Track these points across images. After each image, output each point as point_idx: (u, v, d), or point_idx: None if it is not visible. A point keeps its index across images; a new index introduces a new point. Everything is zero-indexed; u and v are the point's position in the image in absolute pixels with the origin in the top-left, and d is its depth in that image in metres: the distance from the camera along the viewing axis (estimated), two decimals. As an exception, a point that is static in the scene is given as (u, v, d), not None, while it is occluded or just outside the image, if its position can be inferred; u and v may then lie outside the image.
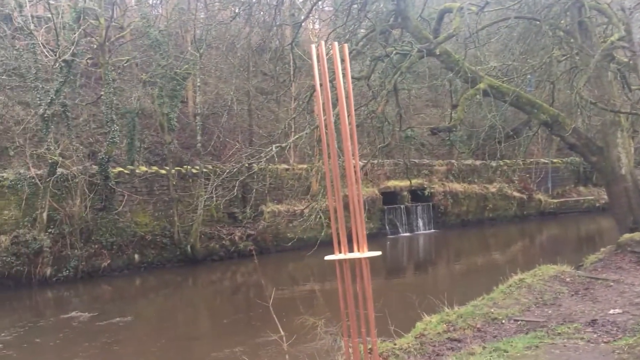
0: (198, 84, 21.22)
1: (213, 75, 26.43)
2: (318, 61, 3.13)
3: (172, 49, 21.56)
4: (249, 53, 23.73)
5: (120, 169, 19.39)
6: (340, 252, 3.05)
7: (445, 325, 7.40)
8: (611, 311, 6.88)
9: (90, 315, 13.43)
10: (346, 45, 3.22)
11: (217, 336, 11.61)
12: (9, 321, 13.27)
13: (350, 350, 3.20)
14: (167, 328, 12.49)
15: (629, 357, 4.25)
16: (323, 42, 3.14)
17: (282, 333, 7.65)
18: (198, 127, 20.75)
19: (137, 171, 19.61)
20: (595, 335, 5.74)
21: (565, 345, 4.95)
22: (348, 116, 3.15)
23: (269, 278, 17.77)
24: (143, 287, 17.27)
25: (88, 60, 20.92)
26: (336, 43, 3.17)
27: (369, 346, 3.26)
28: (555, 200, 29.93)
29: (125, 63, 22.38)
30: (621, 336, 5.45)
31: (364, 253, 3.01)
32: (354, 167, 3.11)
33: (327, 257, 3.10)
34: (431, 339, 7.07)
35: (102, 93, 19.24)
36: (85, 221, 17.61)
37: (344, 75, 3.16)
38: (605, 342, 5.29)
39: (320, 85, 3.25)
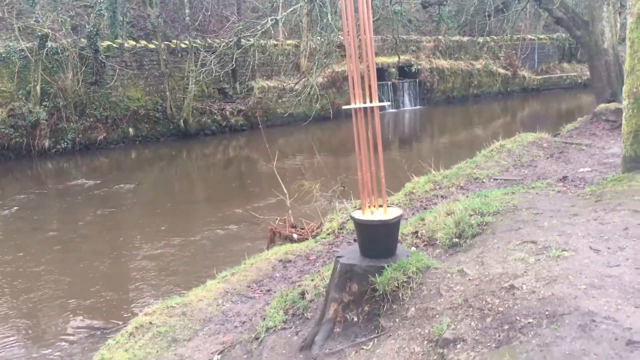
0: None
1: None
2: None
3: None
4: None
5: (109, 42, 19.30)
6: (356, 103, 3.62)
7: (431, 184, 8.19)
8: (581, 169, 7.68)
9: (94, 183, 14.16)
10: None
11: (219, 200, 12.45)
12: (13, 189, 13.99)
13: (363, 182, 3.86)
14: (170, 194, 13.32)
15: (590, 197, 5.01)
16: None
17: (285, 192, 8.41)
18: (186, 1, 20.39)
19: (125, 45, 19.55)
20: (564, 188, 6.54)
21: (537, 194, 5.72)
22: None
23: (260, 152, 18.43)
24: (139, 160, 17.92)
25: None
26: None
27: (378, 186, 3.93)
28: (539, 77, 30.43)
29: None
30: (587, 187, 6.24)
31: (374, 103, 3.58)
32: (368, 27, 3.59)
33: (344, 107, 3.66)
34: (419, 196, 7.88)
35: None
36: (78, 95, 17.88)
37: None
38: (572, 193, 6.07)
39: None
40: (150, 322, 5.04)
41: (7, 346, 6.34)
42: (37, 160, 16.93)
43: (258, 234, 9.50)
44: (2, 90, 16.94)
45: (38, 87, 16.90)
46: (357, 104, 3.61)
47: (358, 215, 3.83)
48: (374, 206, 3.84)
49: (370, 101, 3.63)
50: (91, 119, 18.23)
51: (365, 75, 3.65)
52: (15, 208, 12.09)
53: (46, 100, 17.19)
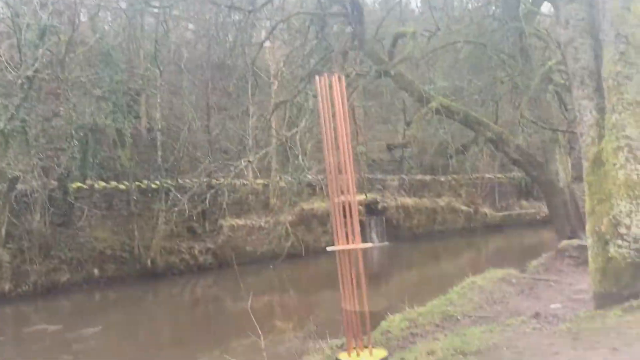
0: (158, 100, 21.55)
1: (167, 91, 26.70)
2: (322, 91, 3.84)
3: (125, 64, 21.83)
4: (207, 71, 24.17)
5: (79, 184, 19.45)
6: (339, 244, 3.75)
7: (407, 322, 8.13)
8: (552, 306, 7.80)
9: (55, 328, 13.56)
10: (342, 77, 3.94)
11: (188, 343, 11.98)
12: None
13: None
14: (136, 338, 12.82)
15: (567, 335, 5.08)
16: (323, 76, 3.87)
17: (260, 333, 8.20)
18: (159, 143, 21.05)
19: (96, 186, 19.74)
20: (539, 325, 6.59)
21: (514, 331, 5.77)
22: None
23: (229, 291, 18.15)
24: (103, 302, 17.38)
25: (46, 76, 20.97)
26: (336, 75, 3.90)
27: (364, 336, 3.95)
28: (500, 214, 31.51)
29: (82, 78, 22.47)
30: (561, 324, 6.32)
31: (359, 245, 3.71)
32: (350, 174, 3.82)
33: (329, 248, 3.78)
34: (396, 335, 7.78)
35: (62, 109, 19.39)
36: (44, 236, 17.64)
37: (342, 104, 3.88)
38: (547, 330, 6.14)
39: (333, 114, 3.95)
40: None
41: None
42: (-6, 304, 16.24)
43: (230, 380, 9.10)
44: (-36, 232, 16.66)
45: (3, 230, 16.66)
46: (341, 246, 3.73)
47: (344, 358, 3.80)
48: (360, 347, 3.83)
49: (354, 242, 3.77)
50: (55, 260, 17.85)
51: (348, 216, 3.83)
52: (-31, 357, 11.41)
53: (10, 242, 16.90)
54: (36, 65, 16.75)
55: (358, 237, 3.68)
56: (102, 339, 12.95)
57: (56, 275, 17.78)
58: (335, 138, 3.90)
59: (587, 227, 5.84)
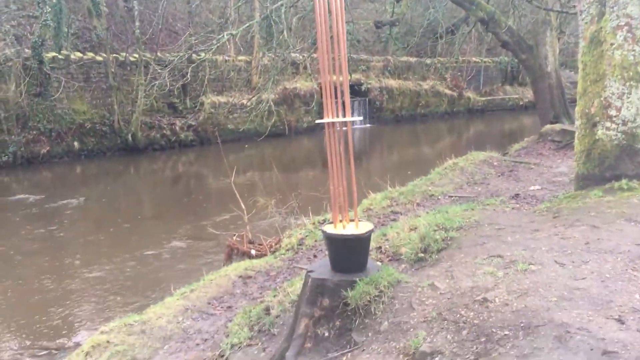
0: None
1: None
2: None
3: None
4: None
5: (54, 54, 18.72)
6: (329, 117, 3.63)
7: (389, 200, 8.26)
8: (531, 187, 7.94)
9: (37, 198, 13.61)
10: None
11: (170, 216, 12.15)
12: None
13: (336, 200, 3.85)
14: (119, 210, 12.94)
15: (547, 214, 5.18)
16: None
17: (243, 207, 8.31)
18: (136, 14, 20.06)
19: (72, 57, 19.02)
20: (517, 205, 6.73)
21: (494, 210, 5.87)
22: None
23: (211, 168, 18.22)
24: (84, 174, 17.38)
25: None
26: None
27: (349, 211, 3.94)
28: (484, 98, 31.42)
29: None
30: (540, 204, 6.44)
31: (348, 117, 3.61)
32: (343, 51, 3.62)
33: (318, 121, 3.67)
34: (377, 212, 7.94)
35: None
36: (20, 107, 17.24)
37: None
38: (526, 210, 6.26)
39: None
40: (108, 341, 4.85)
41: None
42: (-26, 174, 16.18)
43: (213, 250, 9.35)
44: (-62, 100, 16.17)
45: (-23, 98, 16.22)
46: (331, 118, 3.62)
47: (330, 229, 3.82)
48: (346, 220, 3.85)
49: (344, 116, 3.66)
50: (34, 132, 17.61)
51: (338, 90, 3.69)
52: (-48, 224, 11.48)
53: (-14, 111, 16.52)
54: None
55: (348, 112, 3.56)
56: (85, 209, 13.06)
57: (35, 147, 17.62)
58: (329, 10, 3.61)
59: (577, 108, 5.77)
